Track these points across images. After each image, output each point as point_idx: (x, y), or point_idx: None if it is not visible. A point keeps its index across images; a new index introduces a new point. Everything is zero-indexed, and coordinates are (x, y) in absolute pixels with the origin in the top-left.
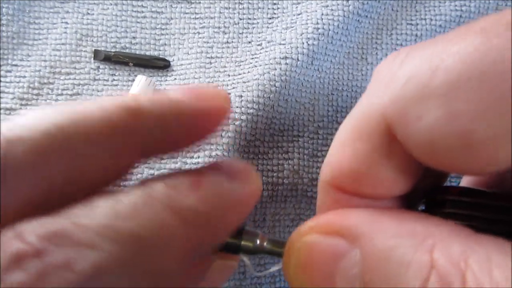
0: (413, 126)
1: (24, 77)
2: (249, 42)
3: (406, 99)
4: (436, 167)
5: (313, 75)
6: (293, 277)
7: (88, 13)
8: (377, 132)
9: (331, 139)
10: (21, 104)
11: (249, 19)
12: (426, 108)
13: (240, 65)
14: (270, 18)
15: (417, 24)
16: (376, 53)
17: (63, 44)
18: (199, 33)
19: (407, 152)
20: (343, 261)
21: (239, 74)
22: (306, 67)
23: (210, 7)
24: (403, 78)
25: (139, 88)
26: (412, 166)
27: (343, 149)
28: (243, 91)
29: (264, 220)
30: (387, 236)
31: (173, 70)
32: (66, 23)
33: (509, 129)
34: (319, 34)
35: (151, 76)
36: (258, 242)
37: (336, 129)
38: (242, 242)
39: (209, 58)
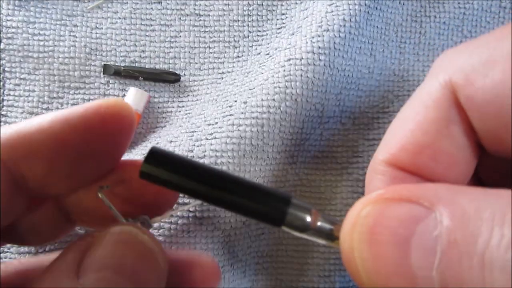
0: (479, 84)
1: (34, 91)
2: (258, 54)
3: (473, 63)
4: (497, 135)
5: (324, 72)
6: (357, 248)
7: (97, 27)
8: (442, 100)
9: (333, 140)
10: None
11: (259, 31)
12: (491, 68)
13: (248, 76)
14: (279, 28)
15: (422, 22)
16: (383, 50)
17: (71, 58)
18: (209, 47)
19: (470, 125)
20: (420, 225)
21: (246, 83)
22: (313, 64)
23: (219, 20)
24: (467, 52)
25: (132, 100)
26: (472, 146)
27: (406, 123)
28: (248, 97)
29: None
30: (470, 198)
31: (185, 86)
32: (75, 36)
33: None
34: (324, 30)
35: (162, 91)
36: (308, 219)
37: (339, 130)
38: (289, 217)
39: (220, 73)
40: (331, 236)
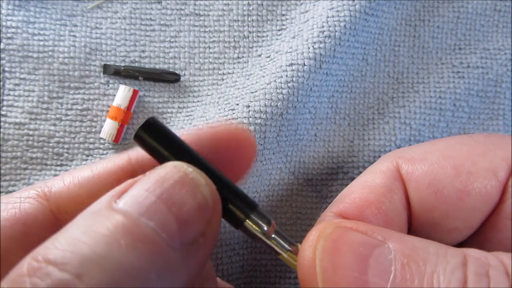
0: (418, 162)
1: (33, 91)
2: (259, 56)
3: (414, 151)
4: (427, 202)
5: (321, 79)
6: (319, 258)
7: (97, 27)
8: (388, 173)
9: (329, 141)
10: (31, 119)
11: (259, 31)
12: (429, 154)
13: (249, 78)
14: (279, 30)
15: (416, 26)
16: (376, 54)
17: (71, 57)
18: (209, 47)
19: (406, 196)
20: (377, 249)
21: (248, 86)
22: (315, 72)
23: (219, 20)
24: (410, 147)
25: (120, 96)
26: (406, 213)
27: (356, 185)
28: (251, 101)
29: None
30: (415, 239)
31: (185, 86)
32: (75, 36)
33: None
34: (325, 36)
35: (162, 91)
36: (266, 228)
37: (335, 130)
38: (249, 221)
39: (221, 74)
40: (283, 248)
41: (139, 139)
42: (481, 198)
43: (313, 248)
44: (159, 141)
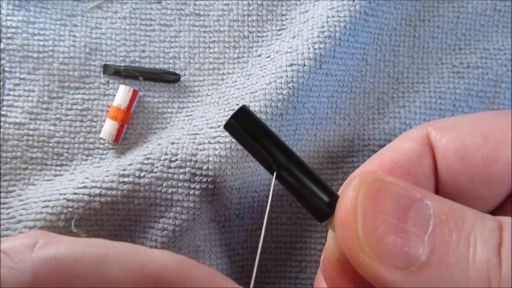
0: (448, 130)
1: (33, 91)
2: (259, 56)
3: (444, 121)
4: (454, 167)
5: (321, 79)
6: (361, 203)
7: (97, 27)
8: (418, 139)
9: (328, 141)
10: (31, 119)
11: (259, 31)
12: (459, 123)
13: (249, 78)
14: (279, 30)
15: (416, 26)
16: (376, 54)
17: (71, 57)
18: (209, 47)
19: (434, 162)
20: (416, 203)
21: (248, 86)
22: (315, 72)
23: (219, 20)
24: (440, 119)
25: (120, 96)
26: (433, 178)
27: (388, 149)
28: (251, 101)
29: (261, 217)
30: (451, 201)
31: (185, 86)
32: (75, 36)
33: None
34: (325, 37)
35: (161, 91)
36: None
37: (334, 130)
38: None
39: (221, 74)
40: None
41: (231, 128)
42: (508, 166)
43: (356, 192)
44: (249, 131)
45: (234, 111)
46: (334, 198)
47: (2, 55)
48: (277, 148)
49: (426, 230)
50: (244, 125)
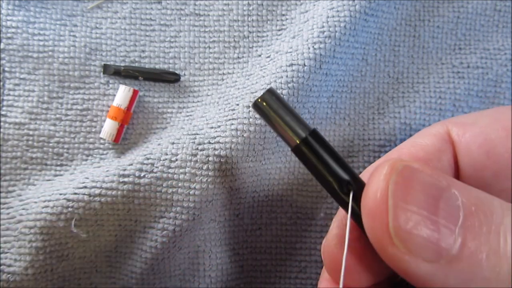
0: (469, 126)
1: (33, 91)
2: (259, 56)
3: (465, 117)
4: (476, 162)
5: (321, 79)
6: (392, 192)
7: (97, 27)
8: (438, 134)
9: (328, 141)
10: (31, 119)
11: (259, 31)
12: (479, 119)
13: (249, 78)
14: (279, 30)
15: (416, 26)
16: (376, 54)
17: (71, 57)
18: (209, 47)
19: (455, 158)
20: (446, 193)
21: (248, 86)
22: (315, 72)
23: (219, 20)
24: (459, 116)
25: (120, 96)
26: (452, 174)
27: (407, 143)
28: (251, 101)
29: (261, 218)
30: (477, 190)
31: (185, 86)
32: (75, 36)
33: None
34: (325, 37)
35: (161, 91)
36: None
37: (334, 130)
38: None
39: (221, 74)
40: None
41: (257, 109)
42: None
43: (386, 182)
44: (277, 111)
45: (263, 92)
46: (356, 181)
47: (2, 55)
48: (304, 128)
49: (456, 222)
50: (271, 105)
